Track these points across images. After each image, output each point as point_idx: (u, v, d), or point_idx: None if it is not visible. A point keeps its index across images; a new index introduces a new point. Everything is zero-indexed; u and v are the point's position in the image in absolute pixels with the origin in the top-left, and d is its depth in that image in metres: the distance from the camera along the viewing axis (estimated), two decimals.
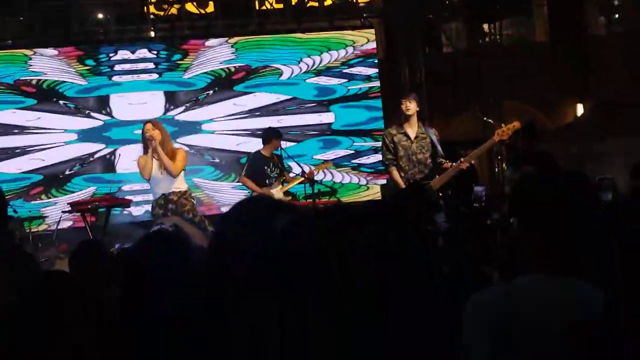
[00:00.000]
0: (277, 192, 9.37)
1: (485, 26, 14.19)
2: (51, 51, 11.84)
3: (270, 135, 9.68)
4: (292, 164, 10.07)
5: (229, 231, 2.04)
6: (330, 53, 12.41)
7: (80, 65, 11.87)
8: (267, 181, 9.46)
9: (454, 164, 7.57)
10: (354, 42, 12.52)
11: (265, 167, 9.51)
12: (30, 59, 11.76)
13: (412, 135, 7.66)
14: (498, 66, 13.42)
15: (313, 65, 12.36)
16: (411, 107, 7.69)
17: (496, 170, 13.04)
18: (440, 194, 7.65)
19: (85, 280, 4.02)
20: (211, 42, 12.23)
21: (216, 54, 12.19)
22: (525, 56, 14.16)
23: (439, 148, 7.66)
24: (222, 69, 12.18)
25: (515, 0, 13.35)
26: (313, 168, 9.71)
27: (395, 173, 7.63)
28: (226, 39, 12.26)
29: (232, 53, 12.24)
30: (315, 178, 9.84)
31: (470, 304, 2.48)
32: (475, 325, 2.44)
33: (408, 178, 7.59)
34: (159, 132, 7.99)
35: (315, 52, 12.39)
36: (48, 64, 11.81)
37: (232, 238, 2.03)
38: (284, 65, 12.30)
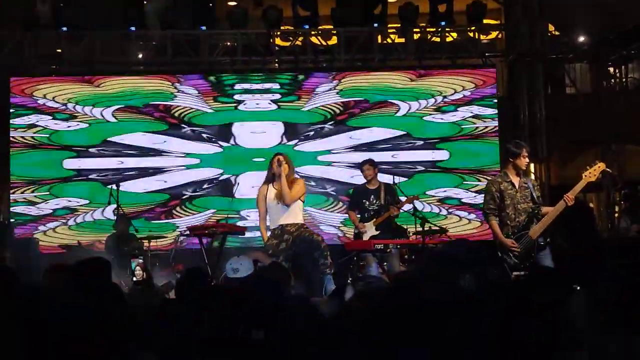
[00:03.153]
0: (370, 226, 9.42)
1: (611, 69, 13.89)
2: (180, 77, 12.39)
3: (360, 165, 9.79)
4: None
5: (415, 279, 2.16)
6: (449, 91, 12.46)
7: (206, 93, 12.36)
8: (365, 214, 9.51)
9: (551, 208, 7.52)
10: (474, 81, 12.52)
11: (364, 200, 9.52)
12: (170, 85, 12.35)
13: (517, 184, 7.64)
14: (622, 110, 13.12)
15: (431, 102, 12.43)
16: (528, 161, 7.70)
17: (615, 217, 12.76)
18: (547, 239, 7.57)
19: (186, 306, 4.18)
20: (326, 84, 12.48)
21: (332, 92, 12.44)
22: None
23: (535, 197, 7.61)
24: (340, 102, 12.42)
25: None
26: (399, 203, 9.65)
27: (495, 224, 7.59)
28: (342, 76, 12.49)
29: (352, 87, 12.46)
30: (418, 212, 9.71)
31: None
32: None
33: (513, 226, 7.55)
34: (287, 165, 8.16)
35: (435, 90, 12.46)
36: (175, 90, 12.34)
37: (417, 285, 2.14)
38: (402, 101, 12.42)
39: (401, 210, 9.49)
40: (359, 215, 9.62)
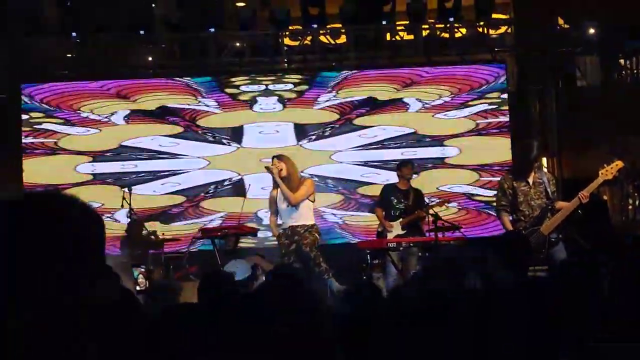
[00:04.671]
0: (396, 225, 9.43)
1: (622, 61, 13.82)
2: (189, 80, 12.40)
3: (397, 167, 9.85)
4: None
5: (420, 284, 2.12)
6: (459, 87, 12.42)
7: (217, 95, 12.36)
8: (392, 213, 9.52)
9: (565, 203, 7.55)
10: (484, 77, 12.48)
11: (392, 198, 9.52)
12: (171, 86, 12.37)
13: (531, 181, 7.64)
14: (634, 102, 13.04)
15: (441, 99, 12.39)
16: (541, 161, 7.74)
17: (629, 209, 12.69)
18: (559, 235, 7.59)
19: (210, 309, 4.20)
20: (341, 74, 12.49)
21: (346, 87, 12.42)
22: None
23: (550, 192, 7.61)
24: (350, 101, 12.40)
25: None
26: (432, 203, 9.72)
27: (506, 219, 7.62)
28: (354, 71, 12.48)
29: (361, 86, 12.44)
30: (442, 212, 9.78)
31: None
32: None
33: (527, 222, 7.57)
34: (285, 165, 8.23)
35: (444, 86, 12.43)
36: (186, 93, 12.35)
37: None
38: (412, 98, 12.39)
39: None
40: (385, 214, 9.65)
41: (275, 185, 8.36)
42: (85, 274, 1.41)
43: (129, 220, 10.86)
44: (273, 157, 8.45)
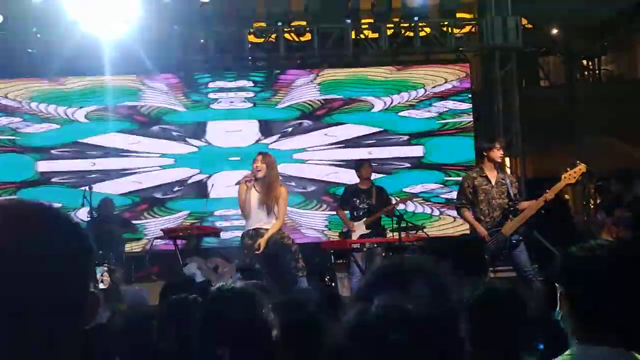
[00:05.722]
0: (359, 225, 9.41)
1: (584, 61, 13.94)
2: (153, 75, 12.24)
3: (355, 167, 9.82)
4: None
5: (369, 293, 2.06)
6: (424, 87, 12.42)
7: (179, 92, 12.23)
8: (354, 213, 9.50)
9: (530, 202, 7.61)
10: (448, 76, 12.49)
11: (354, 199, 9.52)
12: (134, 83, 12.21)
13: (493, 180, 7.65)
14: (596, 102, 13.17)
15: (405, 98, 12.39)
16: (502, 154, 7.72)
17: (591, 208, 12.79)
18: (520, 237, 7.61)
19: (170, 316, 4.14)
20: (303, 77, 12.40)
21: (310, 85, 12.36)
22: (624, 93, 13.84)
23: (512, 194, 7.64)
24: (315, 100, 12.35)
25: (615, 36, 13.06)
26: (395, 201, 9.75)
27: (468, 214, 7.67)
28: (318, 71, 12.42)
29: (326, 85, 12.39)
30: (402, 210, 9.82)
31: None
32: None
33: (487, 222, 7.58)
34: (265, 166, 7.95)
35: (409, 86, 12.42)
36: (148, 90, 12.20)
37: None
38: (377, 97, 12.37)
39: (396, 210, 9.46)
40: (348, 215, 9.61)
41: (249, 181, 7.94)
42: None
43: (89, 218, 10.70)
44: (258, 153, 8.22)
